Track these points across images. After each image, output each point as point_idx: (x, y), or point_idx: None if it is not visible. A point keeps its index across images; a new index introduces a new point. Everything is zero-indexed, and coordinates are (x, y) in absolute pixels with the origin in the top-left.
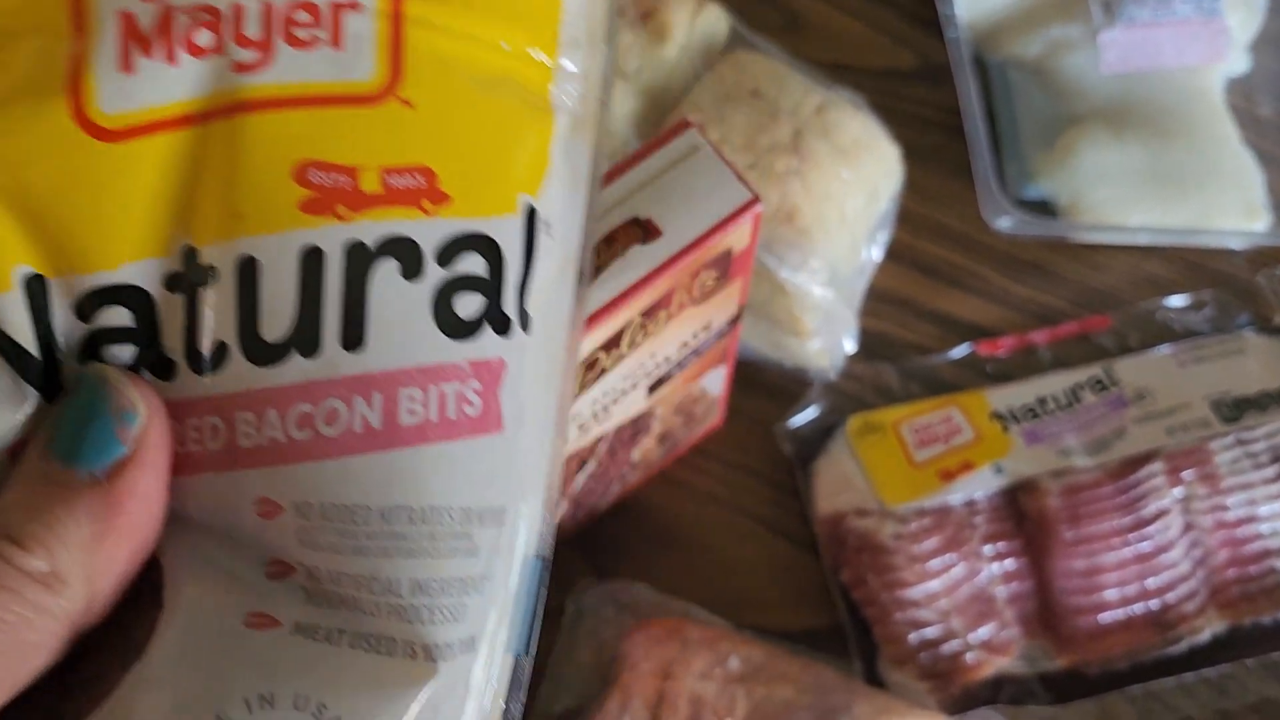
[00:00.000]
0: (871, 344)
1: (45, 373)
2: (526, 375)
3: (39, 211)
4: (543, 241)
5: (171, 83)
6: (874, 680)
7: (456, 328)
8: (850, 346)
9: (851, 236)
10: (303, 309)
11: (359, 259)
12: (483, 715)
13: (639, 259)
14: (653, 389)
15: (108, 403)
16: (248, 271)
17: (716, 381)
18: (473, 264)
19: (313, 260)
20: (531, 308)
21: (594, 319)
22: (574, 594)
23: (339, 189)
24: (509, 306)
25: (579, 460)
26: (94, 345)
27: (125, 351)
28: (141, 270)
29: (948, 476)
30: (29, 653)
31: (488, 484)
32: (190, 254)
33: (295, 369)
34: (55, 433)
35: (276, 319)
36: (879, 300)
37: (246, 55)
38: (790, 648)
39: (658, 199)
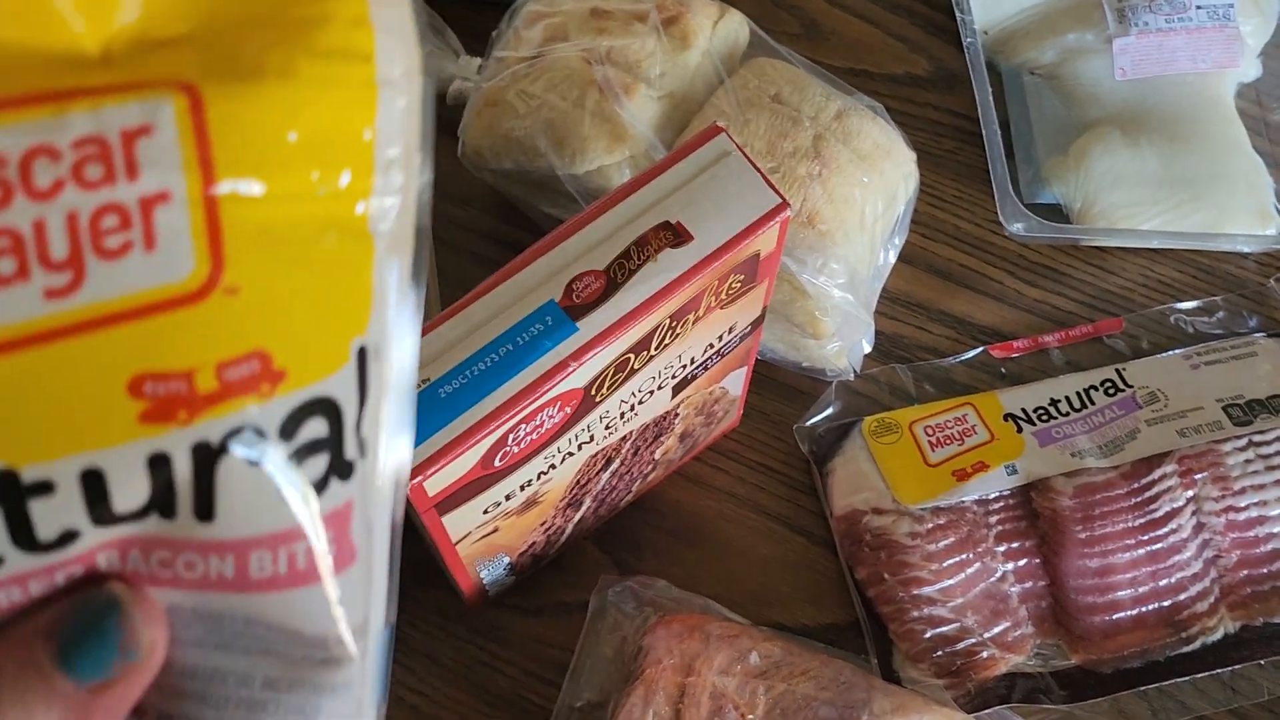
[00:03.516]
0: (886, 346)
1: None
2: (370, 498)
3: None
4: (373, 370)
5: None
6: (889, 676)
7: (304, 494)
8: (868, 347)
9: (870, 240)
10: (155, 496)
11: (205, 455)
12: None
13: (670, 262)
14: (677, 390)
15: (121, 635)
16: (93, 479)
17: (737, 382)
18: (315, 428)
19: (160, 463)
20: (366, 432)
21: (626, 321)
22: (596, 590)
23: (176, 395)
24: (350, 451)
25: (604, 458)
26: None
27: None
28: None
29: (962, 476)
30: None
31: (350, 606)
32: (8, 476)
33: (153, 524)
34: (62, 632)
35: (130, 500)
36: (894, 302)
37: (56, 280)
38: (808, 644)
39: (688, 203)
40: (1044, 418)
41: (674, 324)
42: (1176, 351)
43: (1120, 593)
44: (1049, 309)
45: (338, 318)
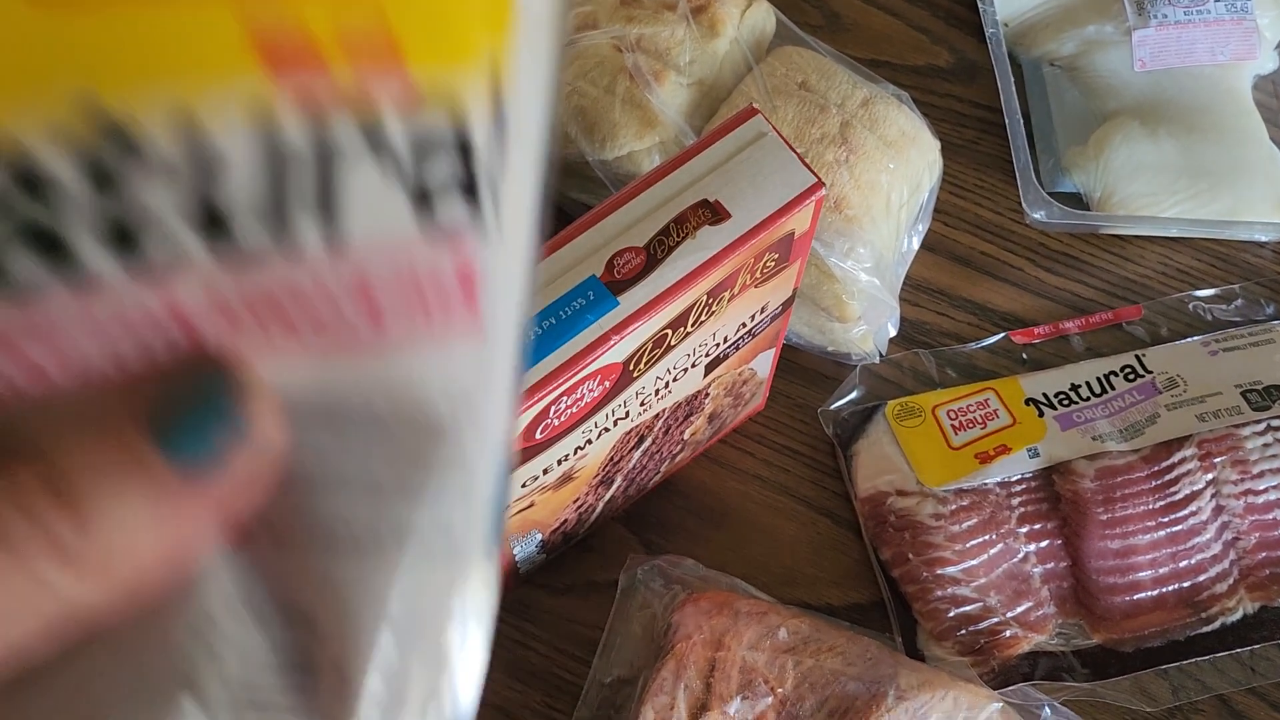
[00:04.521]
0: (909, 331)
1: None
2: (498, 287)
3: None
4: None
5: None
6: (914, 655)
7: (432, 217)
8: (893, 330)
9: (895, 225)
10: (270, 177)
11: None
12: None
13: (709, 239)
14: (710, 368)
15: (226, 401)
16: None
17: (765, 364)
18: (441, 135)
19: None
20: (503, 204)
21: (665, 296)
22: (625, 568)
23: (296, 48)
24: (483, 190)
25: (637, 435)
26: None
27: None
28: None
29: (985, 459)
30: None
31: (467, 375)
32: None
33: (262, 239)
34: (155, 399)
35: (241, 182)
36: (917, 289)
37: None
38: (834, 622)
39: (726, 182)
40: (1065, 402)
41: (710, 301)
42: (1195, 338)
43: (1141, 573)
44: (1069, 296)
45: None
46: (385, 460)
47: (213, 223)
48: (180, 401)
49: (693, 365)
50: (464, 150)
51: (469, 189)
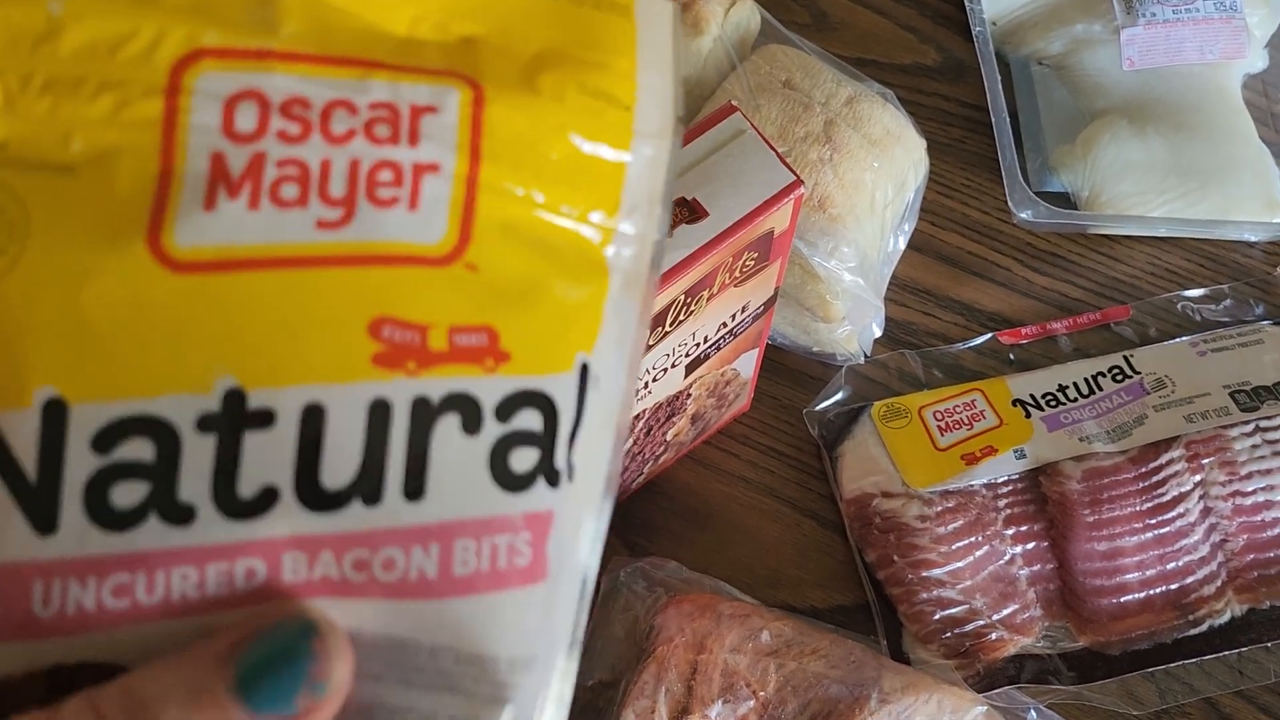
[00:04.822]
0: (895, 332)
1: (39, 502)
2: (569, 525)
3: (87, 330)
4: (591, 396)
5: (250, 226)
6: (899, 657)
7: (512, 481)
8: (878, 331)
9: (880, 225)
10: (367, 458)
11: (424, 413)
12: None
13: (686, 238)
14: (690, 368)
15: (310, 665)
16: (312, 418)
17: (748, 364)
18: (529, 420)
19: (380, 412)
20: (577, 458)
21: None
22: (608, 570)
23: (410, 345)
24: (560, 460)
25: None
26: (104, 481)
27: (137, 491)
28: (178, 405)
29: (971, 460)
30: None
31: (530, 632)
32: (236, 396)
33: (355, 516)
34: (244, 656)
35: (339, 467)
36: (903, 289)
37: (329, 214)
38: (818, 625)
39: (704, 180)
40: (1052, 403)
41: (688, 300)
42: (1184, 339)
43: (1128, 575)
44: (1057, 296)
45: (567, 329)
46: (444, 706)
47: (309, 499)
48: (267, 662)
49: (672, 365)
50: (543, 409)
51: (547, 445)
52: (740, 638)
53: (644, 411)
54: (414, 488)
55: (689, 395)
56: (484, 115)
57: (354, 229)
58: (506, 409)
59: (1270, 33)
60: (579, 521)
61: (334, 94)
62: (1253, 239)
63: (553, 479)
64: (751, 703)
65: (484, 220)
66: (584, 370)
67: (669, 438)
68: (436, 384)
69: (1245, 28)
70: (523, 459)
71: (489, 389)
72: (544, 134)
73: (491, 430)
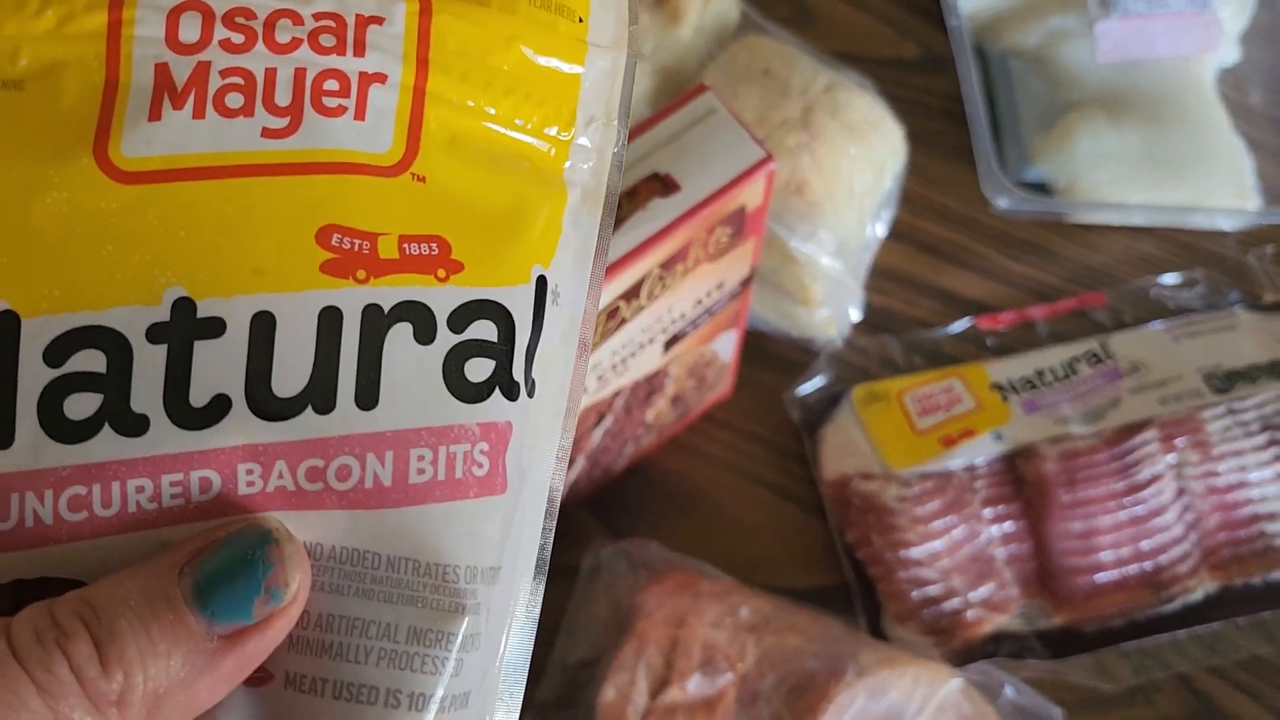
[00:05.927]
0: (876, 318)
1: None
2: (528, 439)
3: (38, 244)
4: (550, 309)
5: (196, 136)
6: (878, 636)
7: (467, 391)
8: (856, 315)
9: (858, 211)
10: (318, 366)
11: (375, 321)
12: None
13: (659, 211)
14: (668, 345)
15: (267, 573)
16: (262, 326)
17: (727, 346)
18: (484, 330)
19: (331, 320)
20: (537, 373)
21: (615, 268)
22: (589, 551)
23: (359, 253)
24: (518, 372)
25: (597, 414)
26: (57, 393)
27: (91, 402)
28: (128, 316)
29: (949, 443)
30: None
31: (491, 543)
32: (185, 305)
33: (308, 425)
34: (201, 565)
35: (290, 375)
36: (883, 277)
37: (275, 122)
38: (798, 604)
39: (677, 156)
40: (1029, 387)
41: (663, 274)
42: (1158, 324)
43: (1103, 554)
44: (1034, 284)
45: (523, 242)
46: (405, 617)
47: (261, 407)
48: (224, 571)
49: (650, 341)
50: (498, 321)
51: (503, 356)
52: (720, 614)
53: (622, 388)
54: (367, 396)
55: (668, 375)
56: (431, 25)
57: (300, 137)
58: (460, 319)
59: (1242, 27)
60: (540, 438)
61: (278, 4)
62: (1226, 227)
63: (510, 391)
64: (730, 675)
65: (432, 131)
66: (541, 282)
67: (649, 419)
68: (388, 293)
69: (1218, 22)
70: (478, 369)
71: (441, 298)
72: (494, 46)
73: (445, 339)
